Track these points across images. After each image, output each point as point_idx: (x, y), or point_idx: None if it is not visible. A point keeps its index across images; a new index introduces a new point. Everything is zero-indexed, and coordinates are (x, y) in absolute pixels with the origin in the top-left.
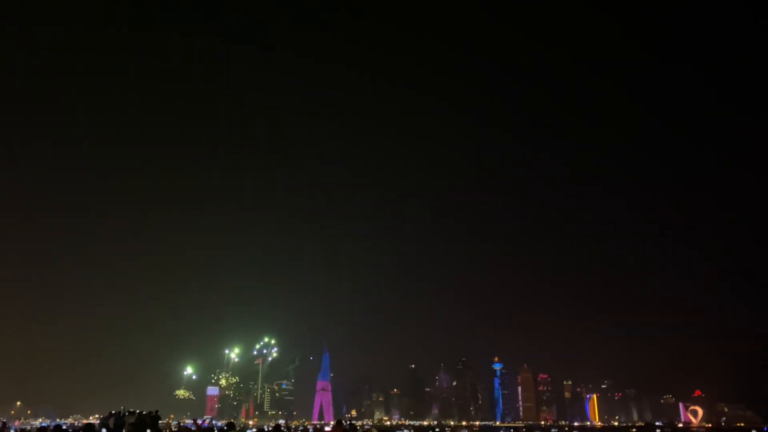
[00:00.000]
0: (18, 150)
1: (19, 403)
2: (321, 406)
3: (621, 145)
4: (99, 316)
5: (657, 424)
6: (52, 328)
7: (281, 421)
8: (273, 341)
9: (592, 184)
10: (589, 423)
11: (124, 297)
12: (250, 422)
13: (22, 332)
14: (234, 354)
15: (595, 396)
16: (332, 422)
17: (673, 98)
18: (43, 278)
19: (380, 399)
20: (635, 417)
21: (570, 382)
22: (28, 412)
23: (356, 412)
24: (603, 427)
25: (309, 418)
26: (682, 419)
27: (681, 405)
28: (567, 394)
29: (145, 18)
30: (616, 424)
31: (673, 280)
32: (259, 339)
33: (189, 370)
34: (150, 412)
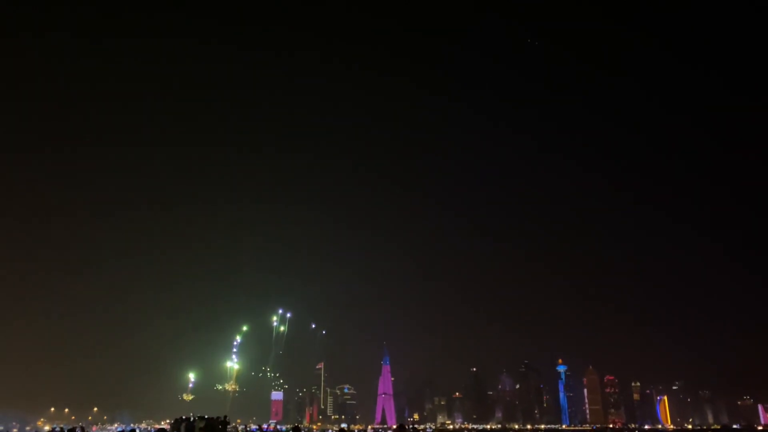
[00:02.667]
0: (67, 150)
1: (96, 408)
2: (383, 410)
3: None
4: (172, 326)
5: (735, 426)
6: (129, 337)
7: (343, 425)
8: None
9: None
10: (660, 426)
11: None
12: (314, 426)
13: (98, 341)
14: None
15: (665, 398)
16: (394, 426)
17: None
18: (121, 291)
19: (442, 403)
20: (710, 419)
21: (638, 384)
22: (104, 417)
23: (418, 415)
24: (676, 429)
25: (371, 421)
26: (762, 421)
27: (760, 407)
28: (636, 396)
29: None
30: (689, 426)
31: (746, 277)
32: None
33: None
34: (218, 417)
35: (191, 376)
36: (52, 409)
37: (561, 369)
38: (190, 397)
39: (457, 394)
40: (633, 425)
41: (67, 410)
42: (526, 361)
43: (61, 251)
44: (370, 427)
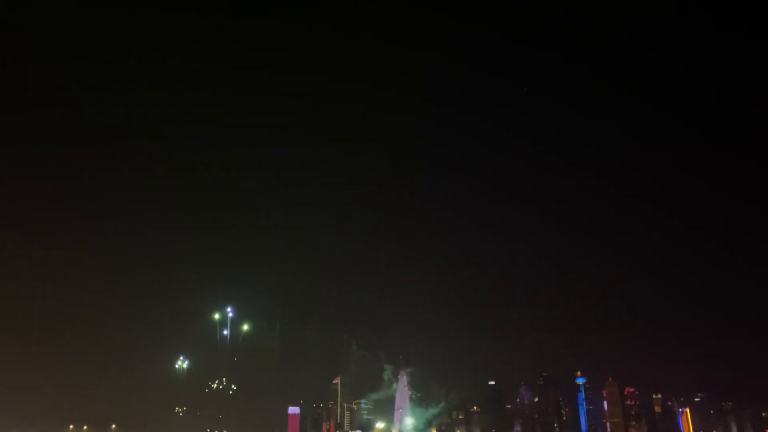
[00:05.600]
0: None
1: (114, 425)
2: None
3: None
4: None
5: None
6: (149, 354)
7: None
8: None
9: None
10: None
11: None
12: None
13: (118, 358)
14: None
15: (688, 410)
16: None
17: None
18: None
19: (460, 417)
20: (734, 431)
21: (659, 396)
22: None
23: (436, 430)
24: None
25: None
26: None
27: None
28: (657, 408)
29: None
30: None
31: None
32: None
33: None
34: None
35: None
36: (71, 426)
37: (580, 381)
38: None
39: (475, 407)
40: None
41: (86, 427)
42: (544, 374)
43: (75, 268)
44: None
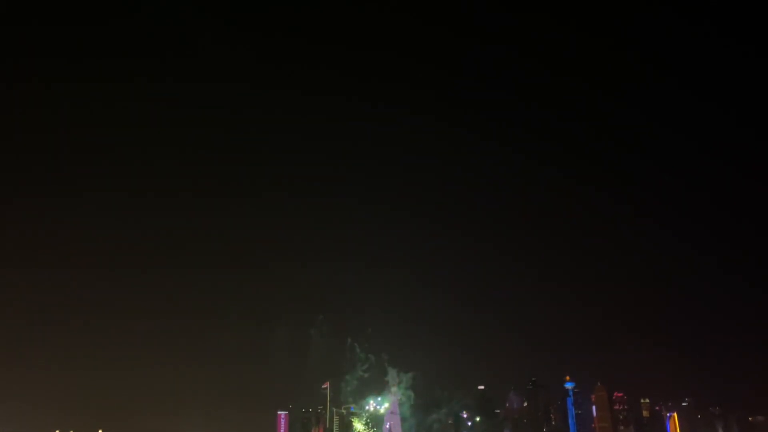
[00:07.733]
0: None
1: (101, 430)
2: (390, 429)
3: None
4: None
5: None
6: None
7: None
8: None
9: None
10: None
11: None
12: None
13: (104, 360)
14: None
15: (675, 414)
16: None
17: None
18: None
19: (449, 421)
20: None
21: (647, 401)
22: None
23: None
24: None
25: None
26: None
27: None
28: (645, 413)
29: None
30: None
31: (755, 293)
32: None
33: None
34: None
35: None
36: (57, 431)
37: (569, 386)
38: None
39: (465, 413)
40: None
41: None
42: (533, 378)
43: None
44: None
